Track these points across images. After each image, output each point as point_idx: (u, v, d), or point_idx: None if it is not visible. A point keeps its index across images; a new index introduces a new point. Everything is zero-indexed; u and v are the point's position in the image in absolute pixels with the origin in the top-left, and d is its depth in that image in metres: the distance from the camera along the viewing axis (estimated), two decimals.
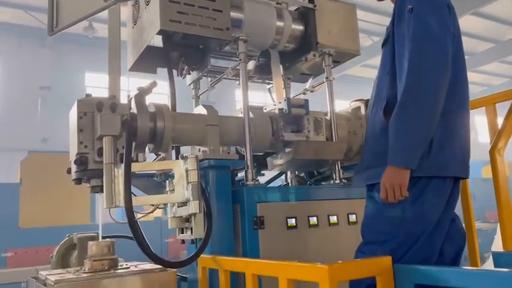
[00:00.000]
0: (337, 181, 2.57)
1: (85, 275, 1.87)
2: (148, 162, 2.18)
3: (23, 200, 7.32)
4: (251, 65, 2.66)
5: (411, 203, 1.70)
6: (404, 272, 1.48)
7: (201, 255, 2.05)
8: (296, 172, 2.92)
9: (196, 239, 2.25)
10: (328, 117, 2.64)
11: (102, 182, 2.03)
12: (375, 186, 1.78)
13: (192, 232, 2.22)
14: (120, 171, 1.89)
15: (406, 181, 1.64)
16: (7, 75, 14.09)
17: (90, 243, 2.01)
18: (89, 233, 2.43)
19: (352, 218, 2.49)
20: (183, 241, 2.37)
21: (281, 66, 2.75)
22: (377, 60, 2.24)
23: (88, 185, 2.12)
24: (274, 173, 2.90)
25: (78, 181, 2.08)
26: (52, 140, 14.13)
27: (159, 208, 2.46)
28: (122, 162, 1.92)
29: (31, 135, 13.59)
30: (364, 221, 1.85)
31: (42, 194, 7.41)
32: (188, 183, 1.96)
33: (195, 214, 2.19)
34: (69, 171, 2.14)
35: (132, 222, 1.83)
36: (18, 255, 6.89)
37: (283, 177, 3.02)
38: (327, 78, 2.72)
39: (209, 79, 2.95)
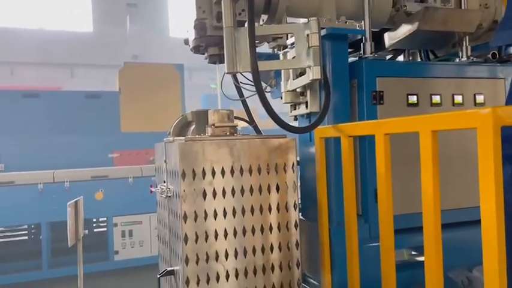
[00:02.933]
0: (464, 58, 2.32)
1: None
2: (269, 26, 2.10)
3: (123, 107, 7.85)
4: None
5: None
6: None
7: (318, 127, 2.01)
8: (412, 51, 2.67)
9: (310, 114, 2.21)
10: None
11: (220, 49, 2.01)
12: None
13: (307, 106, 2.18)
14: (240, 35, 1.84)
15: None
16: None
17: (211, 111, 2.05)
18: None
19: (480, 98, 2.27)
20: (295, 118, 2.35)
21: None
22: None
23: (205, 55, 2.12)
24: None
25: (197, 49, 2.07)
26: (142, 56, 14.75)
27: None
28: (242, 26, 1.87)
29: (122, 52, 14.25)
30: None
31: (139, 101, 7.87)
32: (309, 47, 1.86)
33: (311, 86, 2.13)
34: (186, 42, 2.15)
35: (259, 85, 1.80)
36: (122, 156, 7.53)
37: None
38: None
39: None
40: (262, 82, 2.32)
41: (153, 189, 2.18)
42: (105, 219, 6.77)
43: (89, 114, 7.48)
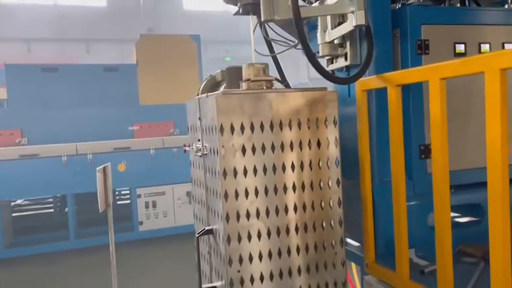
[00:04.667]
0: None
1: None
2: None
3: (140, 79, 7.78)
4: None
5: None
6: None
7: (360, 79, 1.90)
8: None
9: (349, 67, 2.09)
10: None
11: None
12: None
13: (346, 58, 2.05)
14: None
15: None
16: None
17: (245, 65, 1.94)
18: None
19: None
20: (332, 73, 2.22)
21: None
22: None
23: (238, 5, 2.00)
24: None
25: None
26: (156, 30, 14.60)
27: None
28: None
29: (136, 26, 14.09)
30: None
31: (157, 73, 7.79)
32: None
33: (350, 36, 2.00)
34: None
35: (302, 32, 1.68)
36: (142, 128, 7.52)
37: None
38: None
39: None
40: (289, 40, 2.21)
41: (187, 148, 2.11)
42: (128, 191, 6.82)
43: (107, 88, 7.45)
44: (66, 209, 7.09)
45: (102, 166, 2.93)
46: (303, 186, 1.81)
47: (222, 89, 2.44)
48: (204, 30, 10.50)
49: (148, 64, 7.87)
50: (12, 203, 6.63)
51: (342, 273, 1.89)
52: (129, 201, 7.00)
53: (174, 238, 6.50)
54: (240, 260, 1.72)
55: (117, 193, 7.32)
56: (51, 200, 7.31)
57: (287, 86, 2.47)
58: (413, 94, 1.95)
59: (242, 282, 1.72)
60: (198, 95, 2.54)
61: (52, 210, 7.14)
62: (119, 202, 7.56)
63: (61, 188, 6.15)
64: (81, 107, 7.14)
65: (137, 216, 6.35)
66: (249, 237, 1.74)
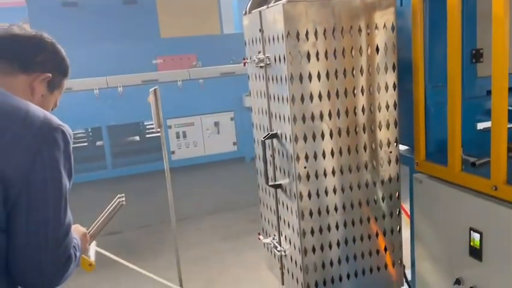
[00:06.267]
0: None
1: None
2: None
3: (160, 11, 7.70)
4: None
5: None
6: None
7: None
8: None
9: None
10: None
11: None
12: None
13: None
14: None
15: None
16: None
17: None
18: None
19: None
20: None
21: None
22: None
23: None
24: None
25: None
26: None
27: None
28: None
29: None
30: None
31: (177, 4, 7.69)
32: None
33: None
34: None
35: None
36: (166, 62, 7.58)
37: None
38: None
39: None
40: None
41: (246, 61, 2.22)
42: None
43: (127, 21, 7.41)
44: (98, 143, 7.39)
45: (152, 88, 3.07)
46: (362, 90, 1.94)
47: (271, 3, 2.50)
48: None
49: None
50: None
51: (396, 170, 2.07)
52: (159, 134, 7.23)
53: (204, 166, 6.81)
54: (306, 158, 1.91)
55: (147, 127, 7.56)
56: (83, 134, 7.59)
57: None
58: None
59: (308, 176, 1.92)
60: (246, 13, 2.60)
61: (86, 144, 7.44)
62: (148, 136, 7.83)
63: (96, 121, 6.38)
64: (102, 41, 7.16)
65: (169, 146, 6.60)
66: (314, 137, 1.90)
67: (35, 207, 1.16)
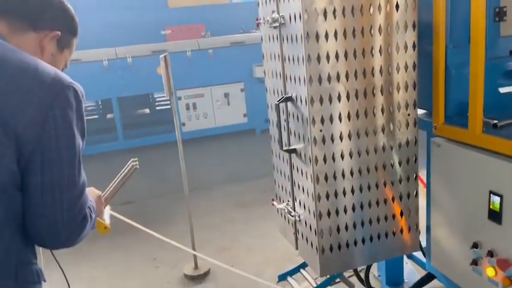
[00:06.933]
0: None
1: None
2: None
3: None
4: None
5: None
6: None
7: None
8: None
9: None
10: None
11: None
12: None
13: None
14: None
15: None
16: None
17: None
18: None
19: None
20: None
21: None
22: None
23: None
24: None
25: None
26: None
27: None
28: None
29: None
30: None
31: None
32: None
33: None
34: None
35: None
36: (174, 32, 7.46)
37: None
38: None
39: None
40: None
41: (260, 21, 2.15)
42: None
43: None
44: (108, 115, 7.40)
45: (163, 55, 3.02)
46: (380, 50, 1.87)
47: None
48: None
49: None
50: None
51: (413, 133, 2.02)
52: (169, 107, 7.22)
53: (215, 138, 6.81)
54: (322, 121, 1.86)
55: (157, 99, 7.53)
56: (94, 106, 7.59)
57: None
58: None
59: (324, 140, 1.88)
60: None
61: (97, 116, 7.45)
62: (158, 108, 7.81)
63: (105, 92, 6.35)
64: (111, 12, 7.07)
65: (179, 118, 6.58)
66: (330, 100, 1.85)
67: (49, 165, 1.14)
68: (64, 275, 1.54)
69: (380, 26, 1.84)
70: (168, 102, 7.31)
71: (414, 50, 1.92)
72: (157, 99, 7.71)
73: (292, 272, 2.50)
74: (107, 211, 1.75)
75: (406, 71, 1.93)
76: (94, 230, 1.40)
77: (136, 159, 1.81)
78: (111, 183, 1.77)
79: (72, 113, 1.19)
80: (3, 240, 1.13)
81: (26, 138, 1.11)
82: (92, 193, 1.47)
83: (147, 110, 7.92)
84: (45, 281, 1.27)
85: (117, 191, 1.76)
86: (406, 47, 1.91)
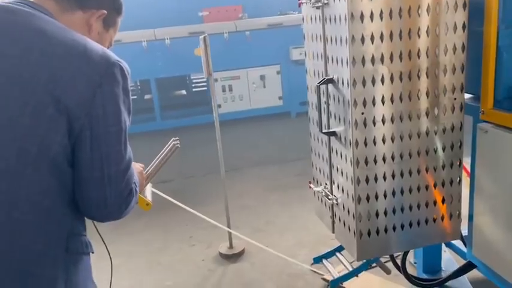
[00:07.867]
0: None
1: None
2: None
3: None
4: None
5: None
6: None
7: None
8: None
9: None
10: None
11: None
12: None
13: None
14: None
15: None
16: None
17: None
18: None
19: None
20: None
21: None
22: None
23: None
24: None
25: None
26: None
27: None
28: None
29: None
30: None
31: None
32: None
33: None
34: None
35: None
36: (211, 13, 7.45)
37: None
38: None
39: None
40: None
41: (302, 1, 2.11)
42: (204, 78, 7.02)
43: None
44: (146, 96, 7.55)
45: (202, 36, 3.03)
46: (427, 31, 1.80)
47: None
48: None
49: None
50: None
51: (459, 118, 1.95)
52: (205, 88, 7.28)
53: (250, 120, 6.82)
54: (364, 103, 1.82)
55: (194, 80, 7.60)
56: (133, 87, 7.75)
57: None
58: None
59: (365, 123, 1.84)
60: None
61: (135, 96, 7.61)
62: (195, 90, 7.88)
63: (144, 73, 6.46)
64: None
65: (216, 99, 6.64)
66: (373, 82, 1.81)
67: (98, 141, 1.18)
68: (106, 248, 1.60)
69: (428, 5, 1.77)
70: (204, 84, 7.40)
71: (464, 31, 1.84)
72: (194, 81, 7.78)
73: (328, 255, 2.50)
74: (149, 188, 1.79)
75: (454, 53, 1.85)
76: (137, 208, 1.44)
77: (177, 138, 1.84)
78: (152, 161, 1.81)
79: (119, 90, 1.22)
80: (56, 213, 1.18)
81: (76, 115, 1.15)
82: (135, 167, 1.51)
83: (184, 92, 8.02)
84: (93, 252, 1.32)
85: (159, 169, 1.80)
86: (455, 28, 1.82)
